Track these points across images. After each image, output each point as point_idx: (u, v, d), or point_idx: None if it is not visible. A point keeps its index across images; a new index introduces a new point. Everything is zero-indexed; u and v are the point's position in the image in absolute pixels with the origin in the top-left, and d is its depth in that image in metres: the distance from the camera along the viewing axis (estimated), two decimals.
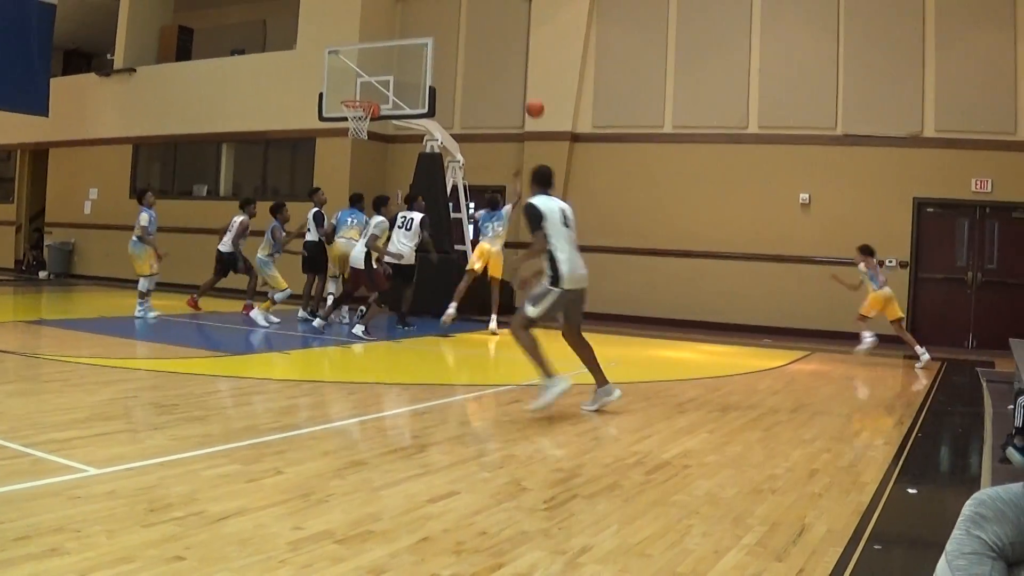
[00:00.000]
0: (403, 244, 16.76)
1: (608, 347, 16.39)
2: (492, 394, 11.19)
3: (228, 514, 5.48)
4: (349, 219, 18.18)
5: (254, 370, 11.94)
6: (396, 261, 16.37)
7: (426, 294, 18.47)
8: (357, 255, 15.98)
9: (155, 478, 6.21)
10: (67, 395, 9.33)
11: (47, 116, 25.42)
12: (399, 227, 17.01)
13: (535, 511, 5.94)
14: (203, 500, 5.76)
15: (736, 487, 6.81)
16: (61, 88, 27.51)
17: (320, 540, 5.12)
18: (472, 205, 22.73)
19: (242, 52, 27.99)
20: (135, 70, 28.75)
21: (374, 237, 15.80)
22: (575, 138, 22.98)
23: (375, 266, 15.85)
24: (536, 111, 19.50)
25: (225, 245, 18.42)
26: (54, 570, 4.48)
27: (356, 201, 18.56)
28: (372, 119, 21.06)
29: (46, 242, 30.36)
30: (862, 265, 15.90)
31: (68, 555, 4.67)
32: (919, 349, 15.54)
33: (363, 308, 16.88)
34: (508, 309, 16.42)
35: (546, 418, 9.52)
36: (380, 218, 16.20)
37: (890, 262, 19.70)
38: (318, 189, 19.53)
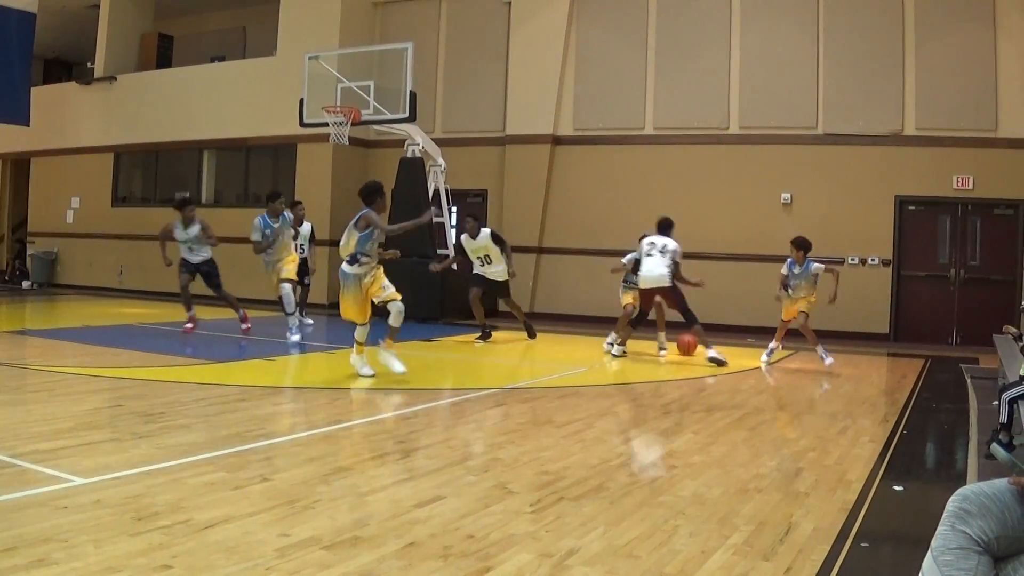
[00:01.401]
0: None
1: (591, 350, 16.43)
2: (476, 398, 11.19)
3: (215, 522, 5.47)
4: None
5: (239, 377, 11.92)
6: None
7: (405, 298, 18.46)
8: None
9: (141, 487, 6.20)
10: (52, 405, 9.30)
11: (28, 126, 25.33)
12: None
13: (522, 514, 5.95)
14: (190, 508, 5.75)
15: (722, 487, 6.82)
16: (42, 97, 27.37)
17: (307, 547, 5.12)
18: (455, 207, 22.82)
19: (222, 59, 27.99)
20: (115, 78, 28.68)
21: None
22: (556, 141, 22.99)
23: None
24: None
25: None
26: None
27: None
28: (353, 124, 21.05)
29: (29, 252, 30.29)
30: (787, 265, 15.18)
31: (55, 565, 4.66)
32: (821, 350, 14.99)
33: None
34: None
35: (531, 422, 9.53)
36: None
37: (872, 260, 19.75)
38: (299, 203, 19.35)
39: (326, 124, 21.00)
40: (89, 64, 29.71)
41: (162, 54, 29.61)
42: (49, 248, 29.63)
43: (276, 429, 8.84)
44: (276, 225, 16.26)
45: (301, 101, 21.82)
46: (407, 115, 20.81)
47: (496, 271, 17.06)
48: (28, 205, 31.24)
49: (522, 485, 6.73)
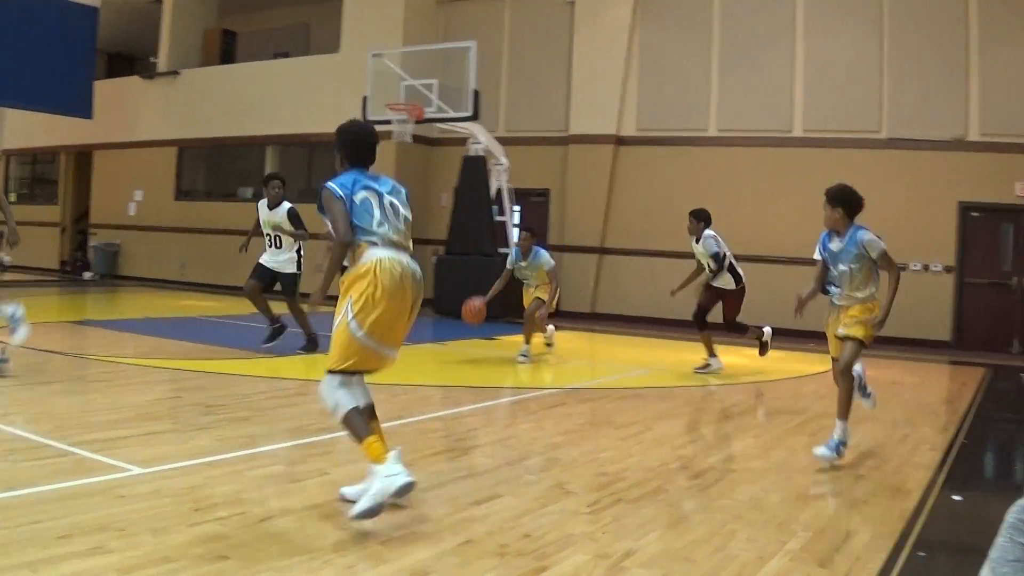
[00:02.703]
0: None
1: (653, 351, 16.38)
2: (536, 397, 11.19)
3: (272, 515, 5.51)
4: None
5: (300, 371, 11.97)
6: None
7: (467, 296, 18.46)
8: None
9: (200, 478, 6.25)
10: (112, 395, 9.40)
11: (90, 118, 25.58)
12: None
13: (579, 514, 5.95)
14: (247, 500, 5.79)
15: (781, 492, 6.79)
16: (105, 91, 27.70)
17: (364, 541, 5.15)
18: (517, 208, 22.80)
19: (286, 55, 28.08)
20: (179, 73, 28.89)
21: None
22: (620, 141, 22.91)
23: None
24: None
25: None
26: (96, 568, 4.52)
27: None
28: (416, 122, 21.08)
29: (90, 243, 30.54)
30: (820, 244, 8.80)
31: (111, 554, 4.71)
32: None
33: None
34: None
35: (590, 422, 9.52)
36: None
37: (935, 267, 19.57)
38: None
39: (389, 122, 21.03)
40: (151, 59, 29.90)
41: (226, 50, 29.81)
42: (111, 240, 29.84)
43: (335, 424, 8.88)
44: None
45: (365, 98, 21.88)
46: (470, 114, 20.82)
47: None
48: (90, 197, 31.51)
49: (580, 486, 6.73)
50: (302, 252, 13.85)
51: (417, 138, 22.28)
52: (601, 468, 7.32)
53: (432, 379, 11.89)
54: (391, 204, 6.26)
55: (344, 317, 5.79)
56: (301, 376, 11.52)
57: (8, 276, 23.26)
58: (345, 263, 5.94)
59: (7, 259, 24.86)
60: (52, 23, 23.83)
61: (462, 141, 22.62)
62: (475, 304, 13.90)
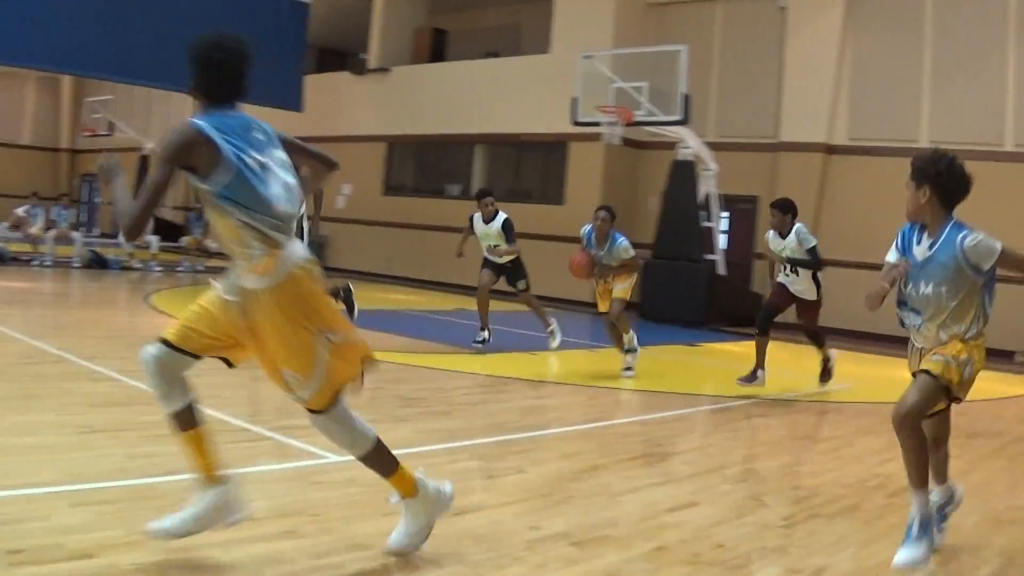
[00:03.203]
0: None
1: (858, 365, 16.09)
2: (737, 407, 11.08)
3: (467, 510, 5.57)
4: None
5: (502, 368, 12.06)
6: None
7: (672, 301, 18.49)
8: None
9: None
10: None
11: (301, 111, 26.23)
12: None
13: (773, 527, 5.89)
14: None
15: (976, 516, 6.61)
16: (315, 85, 28.50)
17: (556, 541, 5.18)
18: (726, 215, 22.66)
19: (495, 55, 28.39)
20: (389, 70, 29.44)
21: None
22: (830, 150, 22.54)
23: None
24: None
25: None
26: (287, 551, 4.66)
27: None
28: (626, 125, 21.10)
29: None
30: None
31: (303, 538, 4.85)
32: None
33: None
34: None
35: (790, 435, 9.43)
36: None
37: None
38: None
39: (598, 123, 21.10)
40: (361, 55, 30.53)
41: (436, 48, 30.34)
42: (321, 232, 30.51)
43: (534, 422, 8.95)
44: None
45: (574, 100, 21.98)
46: (681, 118, 20.75)
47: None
48: None
49: (776, 498, 6.67)
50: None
51: (626, 141, 22.29)
52: (798, 481, 7.26)
53: (632, 383, 11.88)
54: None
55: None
56: (503, 373, 11.62)
57: (217, 262, 24.02)
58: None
59: (214, 245, 25.71)
60: (264, 18, 24.54)
61: (670, 145, 22.54)
62: (578, 259, 12.41)
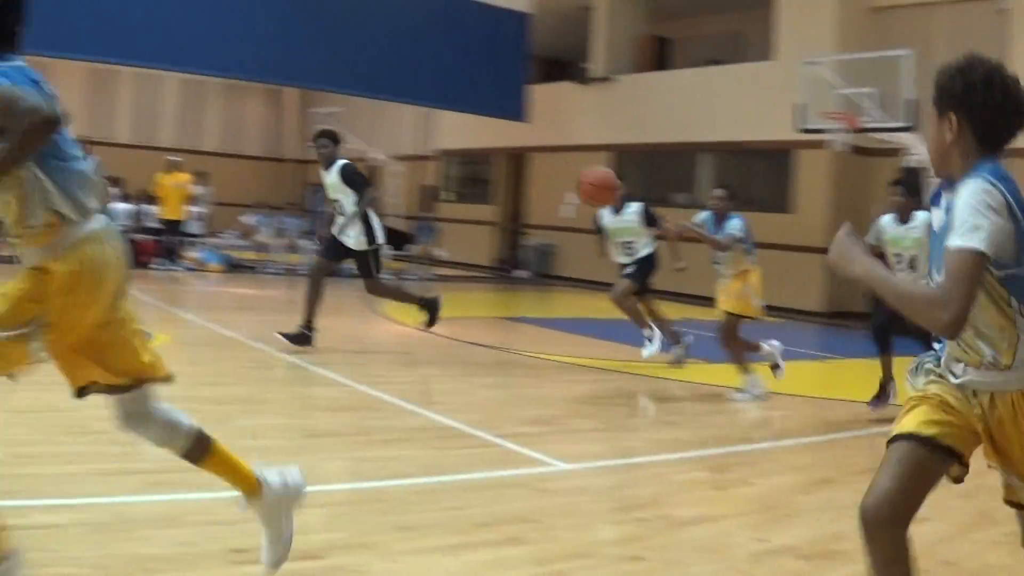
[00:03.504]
0: None
1: None
2: None
3: (692, 520, 5.52)
4: None
5: (730, 379, 11.87)
6: None
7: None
8: None
9: (623, 478, 6.34)
10: (541, 390, 9.67)
11: (525, 122, 26.42)
12: None
13: (1000, 544, 5.65)
14: (669, 504, 5.82)
15: None
16: (540, 95, 28.73)
17: (782, 554, 5.08)
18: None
19: (717, 63, 28.16)
20: (613, 79, 29.43)
21: None
22: None
23: None
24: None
25: None
26: (511, 558, 4.67)
27: None
28: (851, 132, 20.69)
29: (521, 243, 31.56)
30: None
31: (527, 545, 4.85)
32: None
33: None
34: None
35: None
36: None
37: None
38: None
39: (822, 131, 20.74)
40: (581, 64, 30.59)
41: (659, 56, 30.24)
42: (546, 241, 30.71)
43: (762, 434, 8.82)
44: None
45: (799, 107, 21.65)
46: (908, 124, 20.23)
47: None
48: (522, 198, 32.55)
49: (1006, 515, 6.37)
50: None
51: (854, 148, 21.85)
52: None
53: (864, 395, 11.58)
54: None
55: None
56: (731, 384, 11.43)
57: (445, 270, 24.37)
58: None
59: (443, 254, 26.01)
60: (484, 29, 24.85)
61: (893, 152, 21.96)
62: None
